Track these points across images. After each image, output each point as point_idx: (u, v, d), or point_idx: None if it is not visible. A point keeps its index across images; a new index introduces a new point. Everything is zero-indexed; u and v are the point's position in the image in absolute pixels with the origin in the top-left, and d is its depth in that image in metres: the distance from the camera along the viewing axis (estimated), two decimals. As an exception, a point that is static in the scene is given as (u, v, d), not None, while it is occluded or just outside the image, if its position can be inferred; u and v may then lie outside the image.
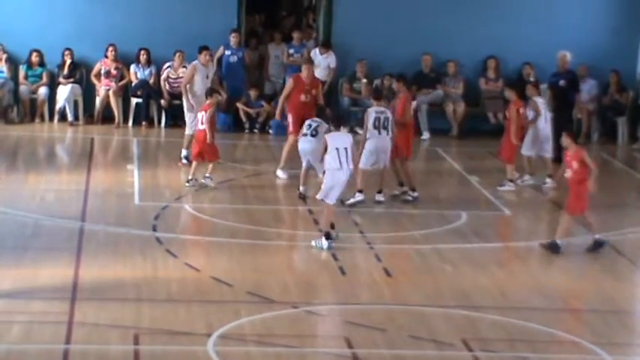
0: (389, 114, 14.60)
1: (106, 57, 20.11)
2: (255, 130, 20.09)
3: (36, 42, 19.97)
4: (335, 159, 12.68)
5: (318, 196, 12.84)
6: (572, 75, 18.21)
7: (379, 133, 14.47)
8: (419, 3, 20.78)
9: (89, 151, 17.76)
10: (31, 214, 13.43)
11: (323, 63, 20.41)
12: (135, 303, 10.70)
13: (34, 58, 19.96)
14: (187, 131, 16.67)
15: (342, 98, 20.60)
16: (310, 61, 17.61)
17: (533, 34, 20.76)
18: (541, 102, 16.58)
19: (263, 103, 20.04)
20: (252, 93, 20.25)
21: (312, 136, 14.65)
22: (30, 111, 20.06)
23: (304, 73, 16.36)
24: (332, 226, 12.75)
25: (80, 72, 20.23)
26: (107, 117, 20.02)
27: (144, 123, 19.97)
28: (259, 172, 16.72)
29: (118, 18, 20.26)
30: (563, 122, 18.21)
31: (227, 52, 20.30)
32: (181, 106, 19.40)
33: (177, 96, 20.05)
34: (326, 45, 20.50)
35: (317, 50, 20.57)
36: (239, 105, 20.15)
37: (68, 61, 19.97)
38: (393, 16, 20.74)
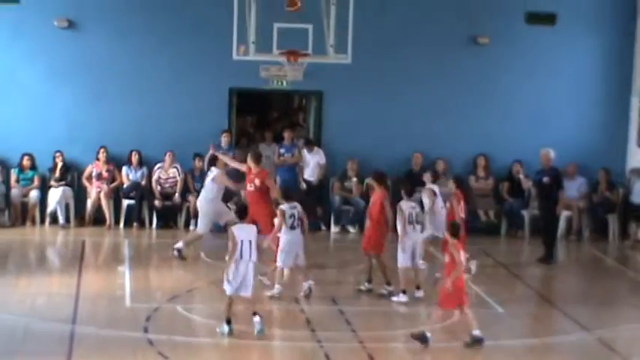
0: (418, 208, 15.17)
1: (98, 159, 20.23)
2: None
3: (27, 146, 20.11)
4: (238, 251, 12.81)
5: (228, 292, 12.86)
6: (555, 172, 18.34)
7: (413, 228, 14.91)
8: (408, 102, 21.04)
9: (80, 254, 17.73)
10: (21, 317, 13.34)
11: (312, 161, 20.56)
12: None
13: (26, 161, 20.07)
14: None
15: (334, 197, 20.68)
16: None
17: (522, 132, 21.01)
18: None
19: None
20: (243, 192, 20.28)
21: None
22: (21, 214, 20.08)
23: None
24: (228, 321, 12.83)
25: (71, 175, 20.33)
26: (98, 219, 20.05)
27: (135, 224, 19.99)
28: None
29: (109, 121, 20.45)
30: (548, 219, 18.32)
31: (219, 151, 20.42)
32: (173, 207, 19.52)
33: (169, 197, 20.14)
34: (309, 143, 20.69)
35: (305, 150, 20.74)
36: (230, 205, 20.16)
37: (59, 164, 20.07)
38: (383, 116, 20.99)
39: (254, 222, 14.50)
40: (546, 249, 18.28)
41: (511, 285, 16.88)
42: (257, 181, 16.65)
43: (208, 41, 20.35)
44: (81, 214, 20.11)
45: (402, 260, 14.88)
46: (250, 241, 12.82)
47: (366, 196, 20.09)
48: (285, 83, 20.83)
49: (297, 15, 18.87)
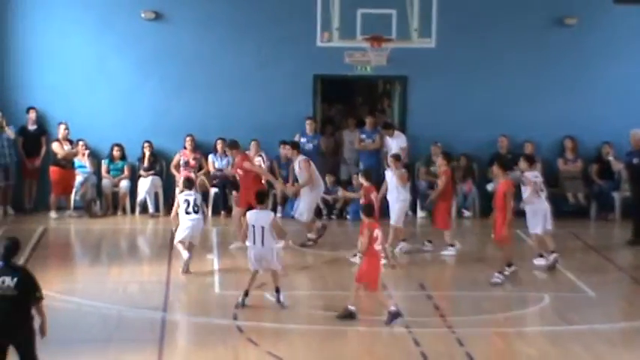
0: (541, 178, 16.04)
1: (185, 148, 20.45)
2: (333, 217, 20.17)
3: (117, 136, 20.43)
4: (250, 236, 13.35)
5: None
6: None
7: (538, 196, 15.85)
8: (493, 86, 20.84)
9: (170, 242, 17.94)
10: (114, 305, 13.57)
11: (393, 145, 20.51)
12: (217, 393, 10.68)
13: (116, 152, 20.38)
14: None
15: (419, 182, 20.60)
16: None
17: (611, 113, 20.68)
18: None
19: (339, 189, 20.13)
20: (329, 179, 20.35)
21: None
22: (112, 204, 20.40)
23: None
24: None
25: (160, 164, 20.58)
26: (187, 207, 20.23)
27: (222, 212, 20.16)
28: (337, 258, 16.71)
29: (195, 109, 20.65)
30: (635, 200, 18.00)
31: (303, 140, 20.52)
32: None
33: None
34: (388, 127, 20.59)
35: (387, 136, 20.67)
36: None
37: (147, 154, 20.34)
38: (467, 100, 20.84)
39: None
40: (637, 231, 17.98)
41: (602, 268, 16.64)
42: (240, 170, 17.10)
43: (292, 28, 20.41)
44: (170, 203, 20.33)
45: (533, 227, 15.83)
46: (263, 227, 13.24)
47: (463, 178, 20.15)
48: (369, 69, 20.79)
49: (381, 0, 18.81)
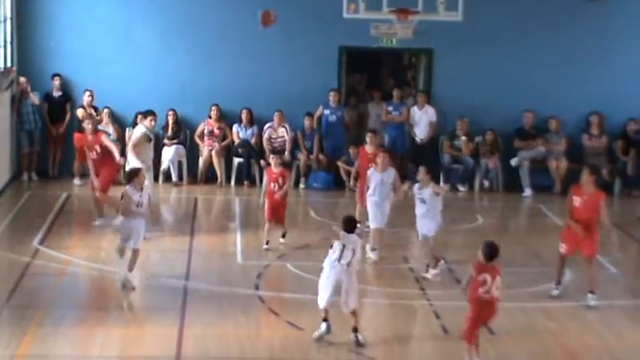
0: None
1: (210, 117, 20.46)
2: (356, 188, 20.14)
3: (142, 105, 20.42)
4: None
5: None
6: None
7: None
8: (519, 60, 20.70)
9: (193, 211, 18.01)
10: (136, 273, 13.63)
11: (422, 118, 20.46)
12: (238, 362, 10.76)
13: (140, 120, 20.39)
14: None
15: (443, 155, 20.56)
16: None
17: (637, 89, 20.52)
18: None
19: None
20: (352, 151, 20.33)
21: None
22: (134, 171, 20.42)
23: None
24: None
25: (184, 133, 20.61)
26: (210, 177, 20.32)
27: (246, 182, 20.20)
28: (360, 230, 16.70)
29: (220, 79, 20.64)
30: None
31: (326, 112, 20.50)
32: (283, 166, 19.58)
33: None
34: (421, 94, 20.54)
35: (415, 107, 20.65)
36: (339, 163, 20.26)
37: (171, 122, 20.36)
38: (494, 73, 20.73)
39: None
40: None
41: (625, 245, 16.59)
42: (97, 147, 16.30)
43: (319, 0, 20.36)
44: (193, 172, 20.40)
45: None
46: (354, 250, 11.44)
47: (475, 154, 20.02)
48: (394, 41, 20.71)
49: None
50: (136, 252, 13.13)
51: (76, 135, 20.00)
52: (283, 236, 15.51)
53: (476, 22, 20.24)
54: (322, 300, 11.44)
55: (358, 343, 11.34)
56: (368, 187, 14.92)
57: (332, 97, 20.48)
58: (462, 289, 10.96)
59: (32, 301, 12.58)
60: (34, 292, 12.96)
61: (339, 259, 11.34)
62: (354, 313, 11.44)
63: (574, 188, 13.24)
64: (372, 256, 14.74)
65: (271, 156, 16.09)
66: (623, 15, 20.72)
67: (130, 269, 13.10)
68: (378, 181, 14.78)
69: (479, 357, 10.62)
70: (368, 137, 16.15)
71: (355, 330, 11.41)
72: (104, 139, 16.48)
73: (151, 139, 16.32)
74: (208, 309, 12.43)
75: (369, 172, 15.01)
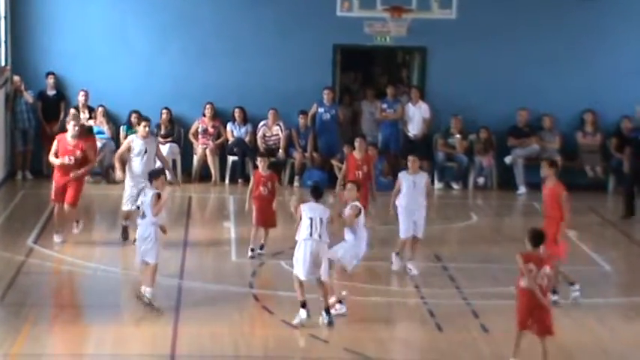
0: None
1: (204, 115, 20.46)
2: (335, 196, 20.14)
3: (136, 103, 20.44)
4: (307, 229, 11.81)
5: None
6: None
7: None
8: (513, 58, 20.72)
9: (187, 209, 18.01)
10: (131, 272, 13.63)
11: (416, 114, 20.49)
12: (232, 360, 10.77)
13: (134, 118, 20.37)
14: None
15: (437, 153, 20.57)
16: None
17: (631, 87, 20.54)
18: None
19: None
20: (346, 149, 20.30)
21: None
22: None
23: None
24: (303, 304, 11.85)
25: (178, 131, 20.60)
26: (204, 175, 20.32)
27: (240, 180, 20.19)
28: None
29: (215, 77, 20.63)
30: (638, 175, 17.89)
31: (320, 110, 20.52)
32: (277, 164, 19.63)
33: (273, 153, 20.28)
34: (417, 91, 20.55)
35: (409, 103, 20.68)
36: (333, 162, 20.26)
37: (165, 120, 20.33)
38: (488, 71, 20.74)
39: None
40: (629, 209, 17.87)
41: (619, 242, 16.62)
42: (77, 153, 15.31)
43: (313, -3, 20.39)
44: (187, 170, 20.40)
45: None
46: (321, 219, 11.85)
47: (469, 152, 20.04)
48: (388, 39, 20.72)
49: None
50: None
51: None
52: (261, 248, 14.72)
53: (470, 20, 20.25)
54: (300, 272, 11.72)
55: (330, 323, 11.60)
56: (398, 192, 14.21)
57: (326, 96, 20.48)
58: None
59: (26, 299, 12.58)
60: (28, 291, 12.96)
61: (311, 234, 11.63)
62: (323, 284, 11.68)
63: (543, 184, 13.21)
64: (411, 268, 14.03)
65: (259, 158, 15.20)
66: (617, 13, 20.73)
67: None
68: (409, 184, 14.14)
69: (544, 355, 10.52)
70: (356, 142, 15.68)
71: (327, 310, 11.67)
72: (88, 149, 15.56)
73: (141, 152, 15.17)
74: (203, 307, 12.43)
75: (400, 175, 14.34)
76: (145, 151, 15.18)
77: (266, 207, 14.67)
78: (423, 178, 14.16)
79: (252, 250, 14.71)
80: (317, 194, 12.06)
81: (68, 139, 15.44)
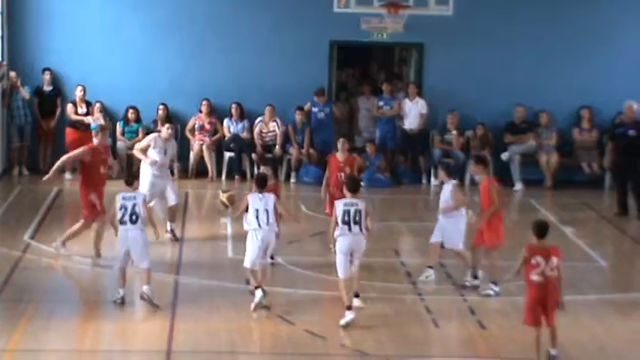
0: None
1: (201, 111, 20.46)
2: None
3: (132, 99, 20.43)
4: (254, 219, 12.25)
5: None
6: None
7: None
8: (510, 54, 20.73)
9: (184, 205, 17.99)
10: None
11: (413, 110, 20.50)
12: (229, 356, 10.78)
13: (131, 114, 20.39)
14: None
15: (434, 150, 20.58)
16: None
17: (628, 84, 20.54)
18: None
19: (354, 155, 20.07)
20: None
21: None
22: (127, 166, 20.42)
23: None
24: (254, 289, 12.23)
25: (175, 127, 20.56)
26: (201, 171, 20.31)
27: (237, 177, 20.19)
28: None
29: (210, 73, 20.63)
30: (629, 172, 17.89)
31: (314, 109, 20.53)
32: (273, 160, 19.65)
33: (270, 150, 20.29)
34: (415, 87, 20.55)
35: (406, 99, 20.69)
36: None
37: (162, 116, 20.33)
38: (484, 67, 20.74)
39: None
40: (622, 207, 17.88)
41: (615, 239, 16.64)
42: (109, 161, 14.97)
43: (309, -7, 20.38)
44: (184, 166, 20.39)
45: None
46: (267, 210, 12.23)
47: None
48: (385, 35, 20.72)
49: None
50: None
51: (68, 130, 19.98)
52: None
53: (467, 16, 20.26)
54: (250, 261, 12.26)
55: (264, 305, 12.07)
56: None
57: (316, 98, 20.45)
58: (514, 273, 10.87)
59: (23, 295, 12.58)
60: (25, 287, 12.96)
61: (259, 224, 12.21)
62: (263, 270, 12.26)
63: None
64: (428, 276, 13.60)
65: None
66: (614, 9, 20.74)
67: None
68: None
69: (552, 344, 10.63)
70: (339, 144, 15.42)
71: (259, 287, 12.17)
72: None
73: (161, 150, 15.36)
74: (199, 303, 12.44)
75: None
76: (165, 152, 15.53)
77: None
78: (447, 187, 13.59)
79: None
80: (261, 184, 12.50)
81: (100, 148, 14.73)
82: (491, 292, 12.97)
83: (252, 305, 12.13)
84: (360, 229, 11.95)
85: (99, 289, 13.09)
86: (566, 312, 12.13)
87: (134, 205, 12.32)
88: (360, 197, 12.27)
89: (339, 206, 12.00)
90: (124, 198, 12.43)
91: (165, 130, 15.79)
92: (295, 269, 14.05)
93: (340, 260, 12.03)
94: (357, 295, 12.20)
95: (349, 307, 11.79)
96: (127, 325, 11.76)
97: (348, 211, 11.94)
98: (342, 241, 11.97)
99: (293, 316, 11.96)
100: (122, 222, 12.31)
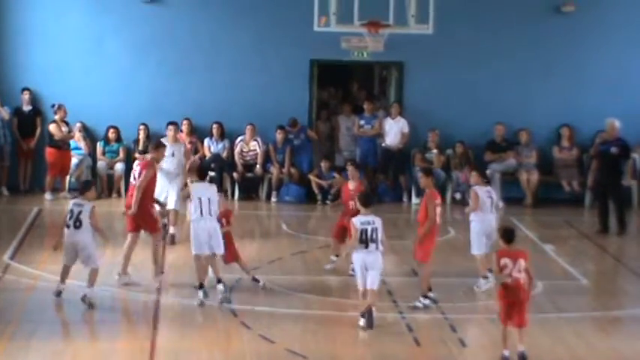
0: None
1: (181, 131, 20.42)
2: (328, 202, 20.18)
3: (113, 119, 20.40)
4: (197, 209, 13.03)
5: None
6: (623, 142, 18.07)
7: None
8: (490, 73, 20.84)
9: (164, 225, 17.92)
10: (108, 287, 13.57)
11: (394, 128, 20.55)
12: (210, 375, 10.71)
13: (111, 134, 20.36)
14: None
15: (414, 168, 20.62)
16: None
17: (607, 102, 20.68)
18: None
19: (335, 174, 20.15)
20: (324, 165, 20.37)
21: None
22: (107, 186, 20.39)
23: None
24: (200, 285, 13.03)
25: (178, 129, 20.51)
26: (181, 191, 20.24)
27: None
28: (331, 244, 16.70)
29: (191, 93, 20.65)
30: (612, 189, 17.98)
31: (290, 136, 20.58)
32: (254, 179, 19.67)
33: (250, 169, 20.29)
34: (398, 106, 20.58)
35: (388, 118, 20.74)
36: (311, 177, 20.29)
37: (142, 136, 20.31)
38: (464, 86, 20.84)
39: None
40: (603, 224, 17.96)
41: (595, 257, 16.68)
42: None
43: (289, 12, 20.40)
44: (165, 186, 20.30)
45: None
46: (209, 199, 13.07)
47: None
48: (365, 54, 20.77)
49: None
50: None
51: (48, 150, 19.90)
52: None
53: (446, 35, 20.33)
54: (195, 249, 13.03)
55: (226, 299, 12.84)
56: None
57: (289, 129, 20.47)
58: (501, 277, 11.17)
59: (3, 315, 12.49)
60: (4, 307, 12.87)
61: (201, 213, 12.91)
62: (213, 260, 13.03)
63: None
64: (480, 286, 13.94)
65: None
66: (592, 28, 20.90)
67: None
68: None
69: (520, 342, 11.07)
70: (349, 172, 15.06)
71: (220, 281, 12.96)
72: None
73: (169, 154, 15.76)
74: (180, 323, 12.38)
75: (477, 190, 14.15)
76: (173, 154, 16.01)
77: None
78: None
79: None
80: (202, 175, 13.54)
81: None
82: (420, 305, 13.11)
83: (196, 303, 12.80)
84: (377, 247, 12.16)
85: (79, 309, 13.00)
86: (547, 330, 12.18)
87: (80, 213, 12.90)
88: (372, 213, 12.34)
89: (357, 224, 12.15)
90: (73, 204, 13.08)
91: (170, 132, 16.57)
92: (277, 288, 14.01)
93: (358, 275, 12.30)
94: (363, 315, 12.19)
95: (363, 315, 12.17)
96: (108, 345, 11.68)
97: (366, 230, 12.11)
98: (357, 257, 12.21)
99: (274, 334, 11.92)
100: (67, 226, 12.94)
